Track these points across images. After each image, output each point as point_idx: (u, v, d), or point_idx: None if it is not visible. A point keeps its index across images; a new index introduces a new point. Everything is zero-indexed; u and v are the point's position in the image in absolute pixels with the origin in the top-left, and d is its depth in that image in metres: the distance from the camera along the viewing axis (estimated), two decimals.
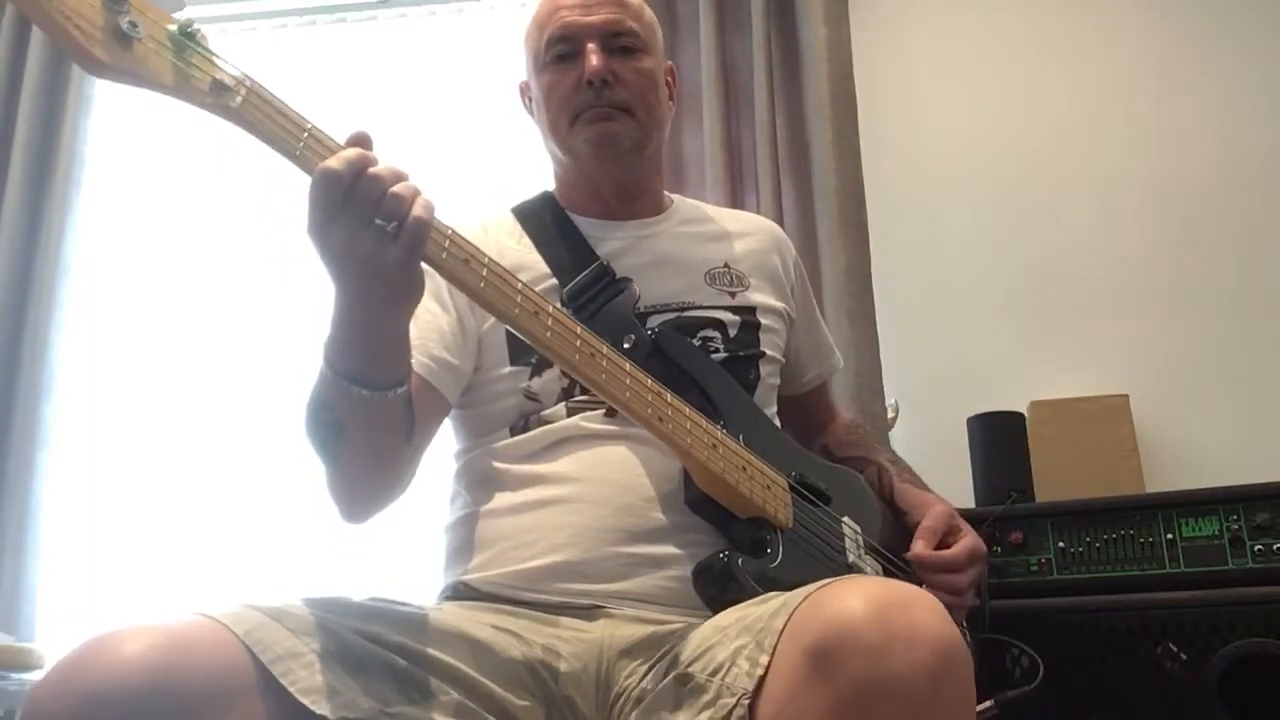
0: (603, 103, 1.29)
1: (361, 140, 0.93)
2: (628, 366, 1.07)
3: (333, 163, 0.89)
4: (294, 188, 0.92)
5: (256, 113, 0.89)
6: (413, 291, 0.95)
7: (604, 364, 1.04)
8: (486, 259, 0.99)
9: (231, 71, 0.89)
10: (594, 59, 1.28)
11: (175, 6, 0.90)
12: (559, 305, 1.04)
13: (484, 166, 2.51)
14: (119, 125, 2.63)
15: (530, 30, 1.37)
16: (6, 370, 2.38)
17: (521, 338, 1.03)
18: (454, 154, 2.58)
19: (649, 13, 1.38)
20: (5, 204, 2.43)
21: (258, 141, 0.90)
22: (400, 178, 0.92)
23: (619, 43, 1.31)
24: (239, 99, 0.88)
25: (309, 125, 0.92)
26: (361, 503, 1.14)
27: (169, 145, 2.59)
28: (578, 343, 1.03)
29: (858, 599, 0.81)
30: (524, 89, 1.43)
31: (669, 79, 1.41)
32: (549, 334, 1.01)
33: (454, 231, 0.97)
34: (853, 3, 2.35)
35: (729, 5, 2.40)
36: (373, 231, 0.90)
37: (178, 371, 2.52)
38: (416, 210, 0.91)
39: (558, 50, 1.32)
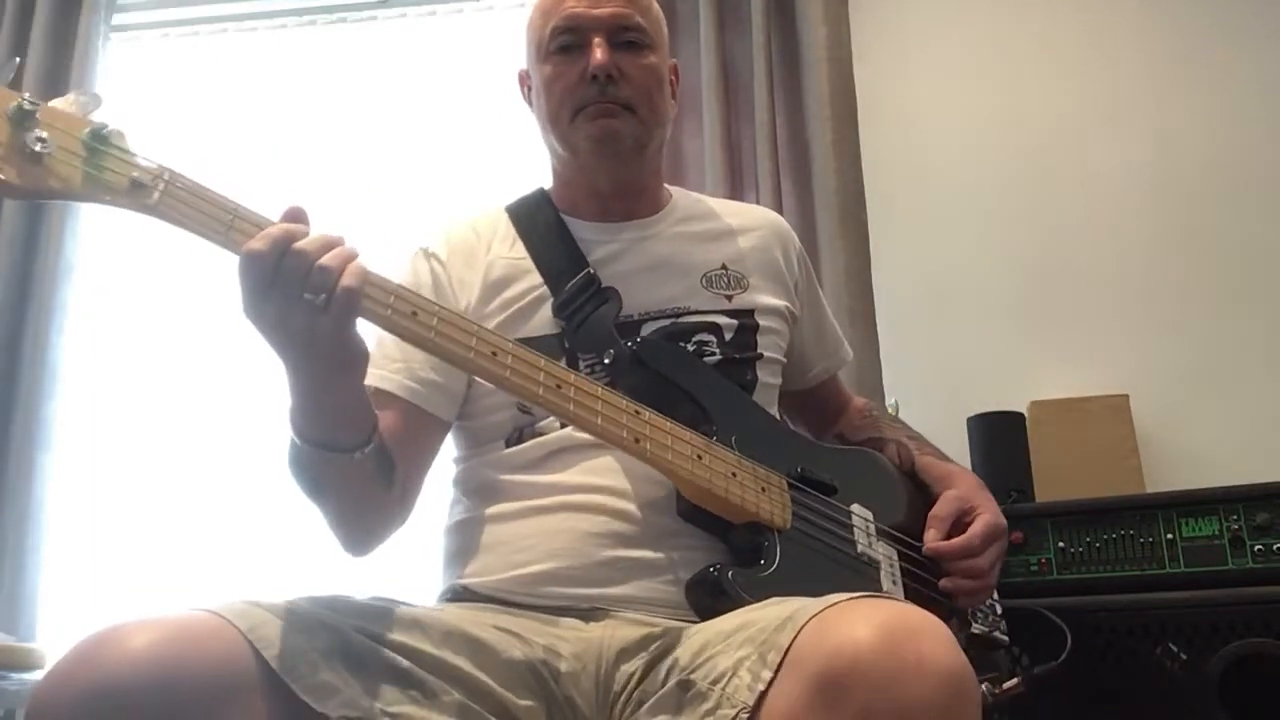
0: (606, 99, 1.26)
1: (295, 215, 0.93)
2: (599, 390, 1.06)
3: (256, 243, 0.89)
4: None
5: (178, 204, 0.89)
6: (353, 358, 0.96)
7: (571, 393, 1.04)
8: (435, 308, 0.99)
9: (148, 166, 0.88)
10: (599, 53, 1.25)
11: (93, 106, 0.90)
12: (519, 342, 1.05)
13: (482, 166, 2.51)
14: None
15: (534, 17, 1.34)
16: (7, 371, 2.38)
17: (482, 380, 1.03)
18: (452, 154, 2.58)
19: (656, 8, 1.35)
20: (5, 204, 2.43)
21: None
22: (329, 247, 0.91)
23: (625, 37, 1.28)
24: (156, 195, 0.88)
25: (234, 207, 0.91)
26: (358, 542, 1.16)
27: (170, 145, 2.59)
28: (541, 376, 1.02)
29: (865, 626, 0.81)
30: (523, 77, 1.39)
31: (672, 76, 1.39)
32: (509, 373, 1.01)
33: (399, 286, 0.97)
34: (853, 3, 2.34)
35: (729, 5, 2.40)
36: (303, 305, 0.90)
37: (180, 372, 2.52)
38: (345, 280, 0.91)
39: (562, 41, 1.28)
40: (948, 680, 0.78)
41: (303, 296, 0.90)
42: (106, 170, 0.86)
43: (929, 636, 0.81)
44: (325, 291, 0.90)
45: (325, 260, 0.90)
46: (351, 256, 0.92)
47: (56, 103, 0.87)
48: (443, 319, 0.99)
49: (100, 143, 0.87)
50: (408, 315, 0.97)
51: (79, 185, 0.85)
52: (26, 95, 0.83)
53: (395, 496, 1.13)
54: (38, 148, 0.82)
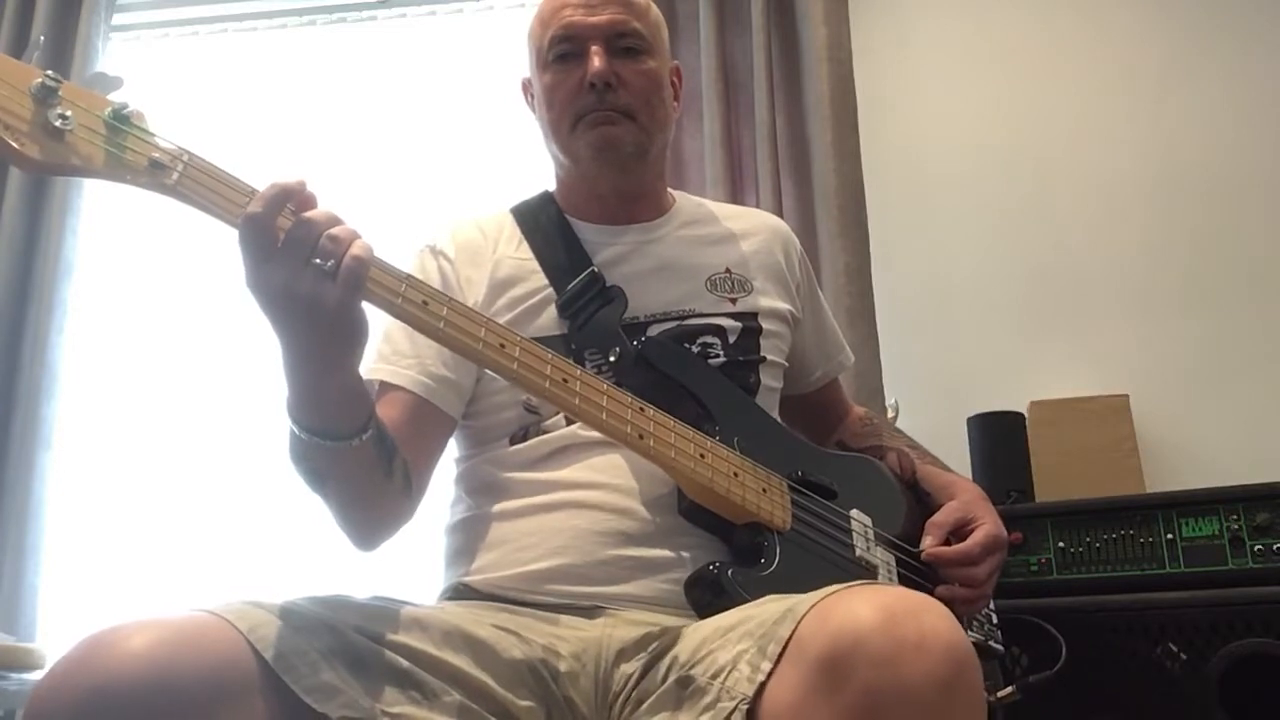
0: (605, 106, 1.27)
1: (300, 184, 0.93)
2: (604, 387, 1.06)
3: (253, 207, 0.89)
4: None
5: (196, 185, 0.90)
6: (357, 334, 0.96)
7: (577, 387, 1.04)
8: (446, 299, 0.99)
9: (167, 147, 0.90)
10: (596, 61, 1.26)
11: (113, 87, 0.91)
12: (528, 337, 1.05)
13: (483, 166, 2.51)
14: None
15: (534, 26, 1.35)
16: (7, 370, 2.38)
17: (491, 372, 1.03)
18: (453, 154, 2.58)
19: (655, 11, 1.36)
20: (5, 204, 2.43)
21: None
22: (336, 222, 0.93)
23: (623, 44, 1.29)
24: (175, 175, 0.89)
25: (251, 190, 0.92)
26: (364, 536, 1.16)
27: None
28: (548, 370, 1.03)
29: (866, 606, 0.81)
30: (526, 85, 1.41)
31: (674, 79, 1.39)
32: (516, 365, 1.01)
33: (409, 276, 0.98)
34: (853, 3, 2.34)
35: (729, 5, 2.40)
36: (311, 271, 0.90)
37: (179, 372, 2.52)
38: (354, 250, 0.91)
39: (560, 50, 1.29)
40: (949, 656, 0.79)
41: (310, 262, 0.90)
42: (127, 150, 0.87)
43: (929, 614, 0.81)
44: (334, 259, 0.91)
45: (334, 231, 0.92)
46: (358, 234, 0.94)
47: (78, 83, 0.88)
48: (453, 309, 0.99)
49: (121, 122, 0.88)
50: (418, 304, 0.97)
51: (100, 163, 0.86)
52: (49, 72, 0.84)
53: (398, 486, 1.12)
54: (59, 124, 0.83)
